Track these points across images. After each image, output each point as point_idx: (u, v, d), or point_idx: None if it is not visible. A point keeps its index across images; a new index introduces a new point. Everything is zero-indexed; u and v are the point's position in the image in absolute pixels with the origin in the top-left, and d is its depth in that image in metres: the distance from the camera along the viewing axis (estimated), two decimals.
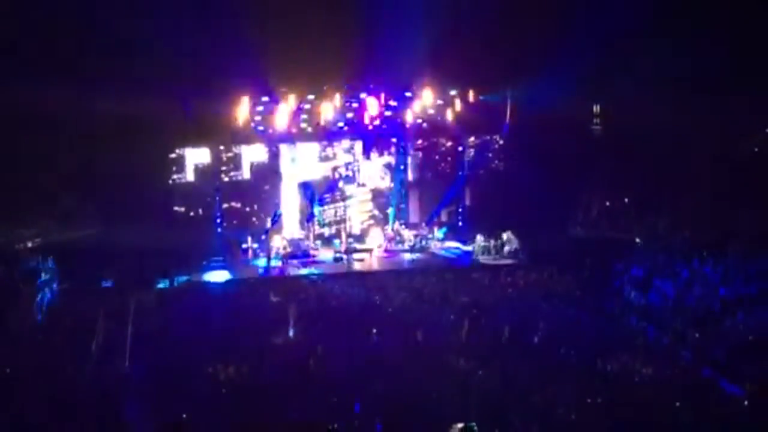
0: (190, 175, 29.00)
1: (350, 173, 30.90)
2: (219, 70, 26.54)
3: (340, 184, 30.71)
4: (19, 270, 22.36)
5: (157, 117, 25.87)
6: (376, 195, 31.43)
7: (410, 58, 27.14)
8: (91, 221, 27.16)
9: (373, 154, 31.31)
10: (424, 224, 30.74)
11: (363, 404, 16.23)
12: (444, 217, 31.29)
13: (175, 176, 28.88)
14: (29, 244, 25.61)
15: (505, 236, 28.08)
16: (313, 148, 30.41)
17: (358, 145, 31.05)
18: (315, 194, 29.97)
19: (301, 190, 30.10)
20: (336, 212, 30.47)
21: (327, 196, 30.23)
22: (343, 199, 30.61)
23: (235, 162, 29.59)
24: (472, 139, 31.84)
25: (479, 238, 28.30)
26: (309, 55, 26.20)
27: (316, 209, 29.97)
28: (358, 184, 31.13)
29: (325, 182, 30.44)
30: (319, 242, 29.51)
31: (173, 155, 28.81)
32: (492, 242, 28.21)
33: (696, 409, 16.11)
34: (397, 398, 16.45)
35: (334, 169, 30.69)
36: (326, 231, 30.11)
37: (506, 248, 28.02)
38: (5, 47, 23.89)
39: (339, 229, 30.01)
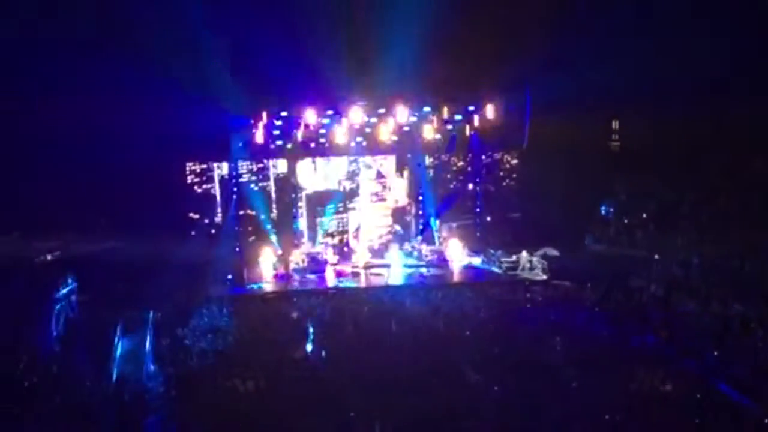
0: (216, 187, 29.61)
1: (354, 186, 31.01)
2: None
3: (364, 196, 30.96)
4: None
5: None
6: (398, 211, 31.55)
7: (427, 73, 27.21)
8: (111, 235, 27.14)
9: (405, 171, 31.54)
10: (440, 239, 30.68)
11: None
12: (461, 232, 31.09)
13: (205, 186, 29.50)
14: (48, 257, 25.67)
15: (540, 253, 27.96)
16: (342, 162, 30.68)
17: (387, 162, 31.24)
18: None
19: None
20: (339, 223, 30.69)
21: (330, 207, 30.44)
22: (346, 211, 30.80)
23: (263, 174, 29.99)
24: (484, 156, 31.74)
25: (524, 254, 27.96)
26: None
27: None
28: (379, 199, 31.24)
29: (333, 194, 30.61)
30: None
31: (204, 166, 29.37)
32: (530, 258, 27.98)
33: (713, 425, 16.04)
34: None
35: (339, 181, 30.88)
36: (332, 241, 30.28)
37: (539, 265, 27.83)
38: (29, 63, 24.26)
39: (348, 241, 30.20)
